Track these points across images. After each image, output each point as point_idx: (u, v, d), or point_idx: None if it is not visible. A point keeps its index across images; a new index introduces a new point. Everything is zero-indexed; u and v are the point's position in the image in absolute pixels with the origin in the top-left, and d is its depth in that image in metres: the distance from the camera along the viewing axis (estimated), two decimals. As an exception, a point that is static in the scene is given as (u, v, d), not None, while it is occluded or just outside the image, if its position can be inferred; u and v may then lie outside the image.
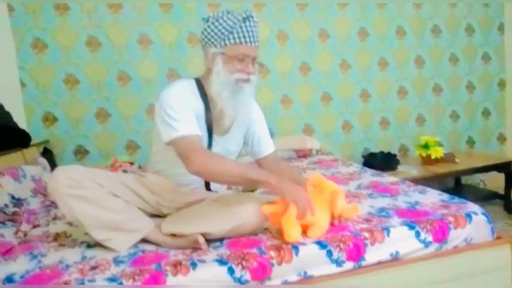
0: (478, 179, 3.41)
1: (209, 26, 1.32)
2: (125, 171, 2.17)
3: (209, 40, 1.33)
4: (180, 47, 2.83)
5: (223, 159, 1.28)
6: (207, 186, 1.46)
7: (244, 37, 1.29)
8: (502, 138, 3.60)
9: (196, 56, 2.81)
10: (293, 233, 1.19)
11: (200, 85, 1.40)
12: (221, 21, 1.30)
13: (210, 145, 1.41)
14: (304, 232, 1.25)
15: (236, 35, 1.29)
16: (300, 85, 3.08)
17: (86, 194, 1.21)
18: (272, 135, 2.97)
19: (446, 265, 1.30)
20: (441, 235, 1.31)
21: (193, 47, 2.84)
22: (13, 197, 1.74)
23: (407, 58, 3.29)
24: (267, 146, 1.54)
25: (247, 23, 1.30)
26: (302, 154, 2.77)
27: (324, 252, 1.19)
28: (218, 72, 1.32)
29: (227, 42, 1.30)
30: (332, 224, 1.32)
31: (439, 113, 3.42)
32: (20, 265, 1.20)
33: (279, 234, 1.24)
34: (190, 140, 1.26)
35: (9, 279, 1.11)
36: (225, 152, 1.45)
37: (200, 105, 1.37)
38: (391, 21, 3.22)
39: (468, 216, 1.36)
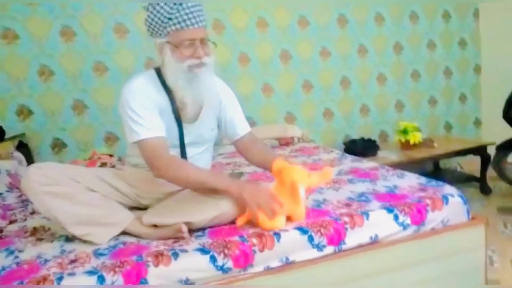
0: (456, 163, 3.50)
1: (149, 16, 1.27)
2: (104, 164, 2.13)
3: (153, 30, 1.29)
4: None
5: (185, 166, 1.27)
6: None
7: (184, 20, 1.23)
8: (478, 123, 3.69)
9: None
10: (277, 224, 1.22)
11: (161, 75, 1.35)
12: (158, 8, 1.24)
13: (181, 134, 1.38)
14: (289, 218, 1.27)
15: (176, 21, 1.23)
16: (281, 73, 3.08)
17: (62, 190, 1.19)
18: (253, 124, 2.99)
19: (424, 247, 1.33)
20: (419, 217, 1.34)
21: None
22: (-13, 193, 1.69)
23: (386, 45, 3.31)
24: (241, 128, 1.50)
25: (185, 5, 1.23)
26: (284, 143, 2.78)
27: (305, 237, 1.21)
28: (169, 62, 1.28)
29: (168, 29, 1.25)
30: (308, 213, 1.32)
31: (418, 99, 3.48)
32: (-4, 262, 1.17)
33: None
34: (152, 143, 1.25)
35: (-16, 276, 1.08)
36: (199, 138, 1.42)
37: (163, 97, 1.34)
38: (370, 8, 3.23)
39: (445, 198, 1.39)
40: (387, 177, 1.69)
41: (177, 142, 1.38)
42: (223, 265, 1.13)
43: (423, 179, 1.61)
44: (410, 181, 1.60)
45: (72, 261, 1.13)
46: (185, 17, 1.23)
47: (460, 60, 3.55)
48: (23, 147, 2.42)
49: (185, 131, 1.38)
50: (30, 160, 2.38)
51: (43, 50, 2.58)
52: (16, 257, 1.20)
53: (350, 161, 2.04)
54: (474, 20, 3.54)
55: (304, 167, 1.34)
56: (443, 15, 3.44)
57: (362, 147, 2.88)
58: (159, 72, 1.36)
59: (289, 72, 3.10)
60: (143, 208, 1.39)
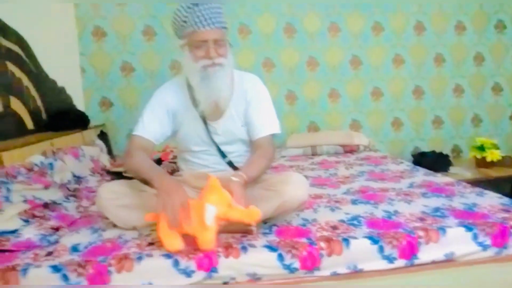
0: (537, 186, 3.18)
1: (172, 20, 1.36)
2: (175, 156, 2.24)
3: (175, 32, 1.38)
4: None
5: (138, 158, 1.30)
6: (231, 164, 1.46)
7: (196, 23, 1.28)
8: None
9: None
10: (169, 243, 1.11)
11: None
12: (177, 12, 1.32)
13: (208, 131, 1.42)
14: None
15: (189, 23, 1.29)
16: (349, 79, 3.02)
17: (131, 201, 1.31)
18: (317, 129, 2.95)
19: (505, 271, 1.23)
20: (500, 239, 1.24)
21: (244, 38, 2.86)
22: (74, 175, 1.86)
23: (465, 55, 3.12)
24: (256, 130, 1.43)
25: (196, 9, 1.28)
26: (349, 150, 2.72)
27: (375, 247, 1.17)
28: (186, 62, 1.35)
29: (185, 32, 1.32)
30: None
31: (498, 114, 3.23)
32: (83, 237, 1.29)
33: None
34: (134, 140, 1.37)
35: (74, 248, 1.19)
36: (229, 135, 1.44)
37: (185, 99, 1.42)
38: (449, 15, 3.06)
39: (533, 221, 1.27)
40: (464, 194, 1.59)
41: (206, 139, 1.43)
42: (290, 264, 1.13)
43: (506, 200, 1.49)
44: (490, 201, 1.49)
45: (150, 244, 1.20)
46: (196, 19, 1.28)
47: (550, 74, 3.23)
48: (103, 136, 2.62)
49: (211, 128, 1.43)
50: (109, 148, 2.58)
51: (126, 47, 2.80)
52: (100, 235, 1.30)
53: (423, 174, 1.95)
54: None
55: (238, 198, 1.14)
56: (534, 25, 3.16)
57: (432, 161, 2.73)
58: None
59: (359, 78, 3.03)
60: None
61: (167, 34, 2.80)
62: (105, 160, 2.29)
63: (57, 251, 1.18)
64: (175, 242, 1.11)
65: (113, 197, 1.31)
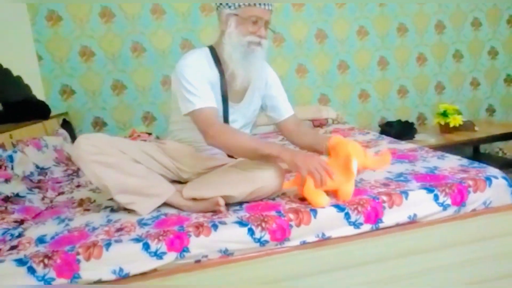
0: (497, 148, 3.34)
1: None
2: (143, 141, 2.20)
3: (224, 1, 1.33)
4: (194, 16, 2.80)
5: (237, 134, 1.31)
6: None
7: None
8: (524, 106, 3.50)
9: (209, 25, 2.77)
10: (319, 201, 1.22)
11: (214, 52, 1.41)
12: None
13: (226, 112, 1.42)
14: (337, 196, 1.27)
15: None
16: (316, 54, 3.03)
17: (109, 160, 1.25)
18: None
19: (464, 228, 1.30)
20: (459, 198, 1.30)
21: (206, 16, 2.81)
22: (37, 166, 1.80)
23: (427, 24, 3.18)
24: (285, 110, 1.54)
25: None
26: (318, 124, 2.76)
27: (342, 214, 1.21)
28: (231, 34, 1.32)
29: (241, 3, 1.30)
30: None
31: (459, 81, 3.33)
32: (49, 228, 1.25)
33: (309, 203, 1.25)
34: (206, 113, 1.30)
35: (40, 240, 1.16)
36: (242, 118, 1.46)
37: (214, 73, 1.39)
38: (410, -15, 3.09)
39: (488, 179, 1.34)
40: (426, 158, 1.65)
41: (221, 120, 1.41)
42: (261, 237, 1.15)
43: (465, 161, 1.56)
44: (451, 163, 1.56)
45: (119, 229, 1.19)
46: None
47: (508, 39, 3.35)
48: (66, 125, 2.54)
49: (230, 110, 1.42)
50: (73, 137, 2.50)
51: (84, 31, 2.67)
52: (67, 224, 1.28)
53: (387, 143, 2.00)
54: (525, -4, 3.31)
55: (363, 148, 1.33)
56: (491, -9, 3.25)
57: (398, 130, 2.81)
58: (212, 50, 1.42)
59: (325, 52, 3.04)
60: (183, 182, 1.44)
61: (126, 15, 2.70)
62: (69, 149, 2.22)
63: (22, 244, 1.14)
64: (323, 199, 1.22)
65: (94, 151, 1.24)
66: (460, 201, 1.30)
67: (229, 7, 1.32)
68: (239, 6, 1.30)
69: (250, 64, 1.35)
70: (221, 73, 1.39)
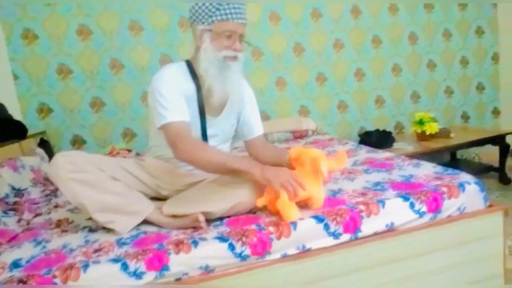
0: (473, 153, 3.45)
1: (196, 4, 1.34)
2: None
3: (197, 17, 1.34)
4: (172, 32, 2.81)
5: (206, 149, 1.31)
6: None
7: (231, 13, 1.31)
8: (496, 112, 3.62)
9: (188, 40, 2.77)
10: (291, 214, 1.22)
11: (191, 66, 1.42)
12: None
13: (204, 126, 1.42)
14: (307, 205, 1.29)
15: (223, 12, 1.30)
16: (294, 67, 3.08)
17: (87, 178, 1.24)
18: (267, 118, 3.01)
19: (440, 234, 1.33)
20: (434, 205, 1.34)
21: (184, 31, 2.82)
22: (13, 188, 1.76)
23: (400, 35, 3.28)
24: (257, 128, 1.56)
25: (234, 0, 1.31)
26: (299, 135, 2.79)
27: (321, 225, 1.22)
28: (206, 49, 1.34)
29: (214, 18, 1.31)
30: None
31: (434, 89, 3.43)
32: (25, 251, 1.22)
33: (280, 218, 1.25)
34: (177, 127, 1.29)
35: (15, 264, 1.13)
36: (220, 132, 1.47)
37: (190, 87, 1.39)
38: (383, -2, 3.20)
39: (461, 185, 1.38)
40: (402, 166, 1.69)
41: (199, 134, 1.42)
42: (241, 252, 1.15)
43: (439, 168, 1.61)
44: (426, 170, 1.60)
45: (97, 250, 1.17)
46: (232, 10, 1.31)
47: (477, 49, 3.48)
48: (44, 144, 2.49)
49: (208, 123, 1.43)
50: (51, 156, 2.45)
51: (61, 49, 2.65)
52: (44, 247, 1.25)
53: (365, 152, 2.04)
54: (491, 8, 3.46)
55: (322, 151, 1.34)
56: (459, 4, 3.38)
57: (377, 139, 2.87)
58: (188, 64, 1.42)
59: (303, 65, 3.10)
60: (163, 199, 1.43)
61: (103, 32, 2.69)
62: (46, 168, 2.18)
63: (8, 285, 1.11)
64: (295, 212, 1.23)
65: (71, 168, 1.22)
66: (435, 208, 1.34)
67: (203, 23, 1.33)
68: (213, 21, 1.32)
69: (227, 78, 1.36)
70: (198, 87, 1.40)
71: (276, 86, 3.07)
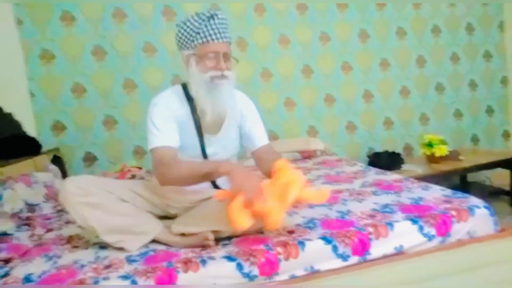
0: (484, 176, 3.41)
1: (179, 31, 1.39)
2: (133, 176, 2.22)
3: (182, 43, 1.40)
4: (184, 53, 2.88)
5: (178, 164, 1.31)
6: (214, 183, 1.49)
7: (211, 35, 1.34)
8: (506, 135, 3.61)
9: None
10: (240, 220, 1.15)
11: (186, 89, 1.45)
12: (188, 24, 1.36)
13: (203, 145, 1.45)
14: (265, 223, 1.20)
15: (202, 35, 1.34)
16: (303, 88, 3.13)
17: (95, 201, 1.27)
18: (275, 138, 3.03)
19: (449, 258, 1.32)
20: (444, 228, 1.33)
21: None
22: (26, 203, 1.80)
23: (408, 58, 3.32)
24: (258, 139, 1.53)
25: (212, 22, 1.34)
26: (307, 155, 2.80)
27: (329, 247, 1.23)
28: (193, 73, 1.38)
29: (195, 42, 1.36)
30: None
31: (442, 112, 3.44)
32: (37, 266, 1.24)
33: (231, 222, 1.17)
34: (160, 152, 1.32)
35: (27, 279, 1.15)
36: (221, 150, 1.48)
37: (185, 110, 1.43)
38: (391, 22, 3.26)
39: (471, 209, 1.38)
40: (411, 189, 1.69)
41: (199, 153, 1.44)
42: (250, 272, 1.16)
43: (448, 191, 1.61)
44: (435, 193, 1.60)
45: (107, 267, 1.19)
46: (211, 31, 1.34)
47: (485, 72, 3.51)
48: (57, 161, 2.54)
49: (207, 142, 1.45)
50: (64, 173, 2.50)
51: (76, 69, 2.73)
52: (55, 262, 1.27)
53: (374, 174, 2.04)
54: (498, 32, 3.50)
55: (304, 179, 1.27)
56: (466, 28, 3.43)
57: (386, 160, 2.86)
58: (185, 86, 1.46)
59: (311, 87, 3.14)
60: (172, 217, 1.45)
61: (118, 53, 2.78)
62: (59, 184, 2.21)
63: (8, 284, 1.13)
64: (245, 220, 1.15)
65: (79, 193, 1.26)
66: (444, 231, 1.33)
67: (187, 48, 1.38)
68: (195, 45, 1.36)
69: (216, 98, 1.38)
70: (193, 108, 1.43)
71: (285, 107, 3.11)
